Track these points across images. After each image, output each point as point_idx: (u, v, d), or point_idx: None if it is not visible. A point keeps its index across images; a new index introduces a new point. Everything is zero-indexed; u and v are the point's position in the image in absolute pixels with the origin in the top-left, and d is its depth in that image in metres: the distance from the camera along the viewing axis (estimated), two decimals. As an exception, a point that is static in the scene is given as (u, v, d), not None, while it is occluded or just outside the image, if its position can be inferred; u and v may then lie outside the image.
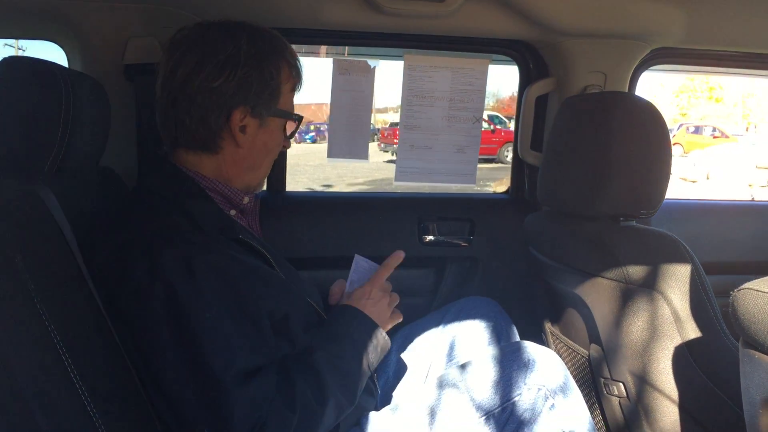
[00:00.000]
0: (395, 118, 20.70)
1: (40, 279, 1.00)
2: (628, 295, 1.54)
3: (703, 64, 2.32)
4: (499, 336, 1.73)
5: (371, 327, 1.40)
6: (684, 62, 2.30)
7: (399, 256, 1.54)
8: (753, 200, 11.39)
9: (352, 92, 2.21)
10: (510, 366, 1.40)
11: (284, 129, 1.47)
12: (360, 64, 2.20)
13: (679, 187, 11.90)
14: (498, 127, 17.62)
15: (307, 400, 1.19)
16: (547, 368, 1.39)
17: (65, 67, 1.53)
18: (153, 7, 1.81)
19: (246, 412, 1.11)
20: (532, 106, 2.25)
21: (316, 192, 7.36)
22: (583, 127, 1.68)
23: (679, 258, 1.49)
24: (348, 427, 1.40)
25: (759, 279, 1.03)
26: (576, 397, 1.41)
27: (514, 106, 2.39)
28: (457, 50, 2.25)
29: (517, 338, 1.75)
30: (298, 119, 1.48)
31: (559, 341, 1.97)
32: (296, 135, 1.57)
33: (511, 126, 18.04)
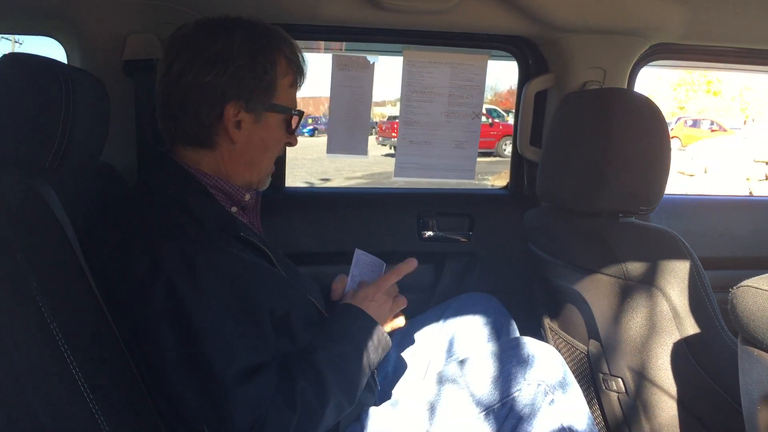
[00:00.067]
0: (393, 111, 20.65)
1: (41, 276, 1.00)
2: (627, 291, 1.55)
3: (701, 59, 2.33)
4: (499, 332, 1.74)
5: (372, 327, 1.40)
6: (683, 58, 2.30)
7: (412, 263, 1.54)
8: (751, 194, 11.41)
9: (351, 88, 2.21)
10: (509, 361, 1.41)
11: (286, 125, 1.45)
12: (359, 60, 2.20)
13: (677, 181, 11.91)
14: (496, 120, 17.58)
15: (308, 400, 1.19)
16: (546, 364, 1.39)
17: (65, 64, 1.53)
18: (152, 3, 1.81)
19: (246, 410, 1.12)
20: (532, 102, 2.25)
21: (316, 188, 7.35)
22: (583, 124, 1.68)
23: (678, 254, 1.50)
24: (348, 422, 1.41)
25: (758, 276, 1.04)
26: (575, 392, 1.42)
27: (512, 100, 2.40)
28: (457, 46, 2.25)
29: (517, 334, 1.76)
30: (299, 114, 1.47)
31: (558, 337, 1.97)
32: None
33: (509, 120, 18.08)
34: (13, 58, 1.28)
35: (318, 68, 1.58)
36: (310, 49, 2.50)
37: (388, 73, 2.67)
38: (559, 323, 1.97)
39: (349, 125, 2.25)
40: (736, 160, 12.14)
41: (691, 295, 1.48)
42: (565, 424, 1.38)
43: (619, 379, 1.63)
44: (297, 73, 1.44)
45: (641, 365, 1.54)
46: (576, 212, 1.70)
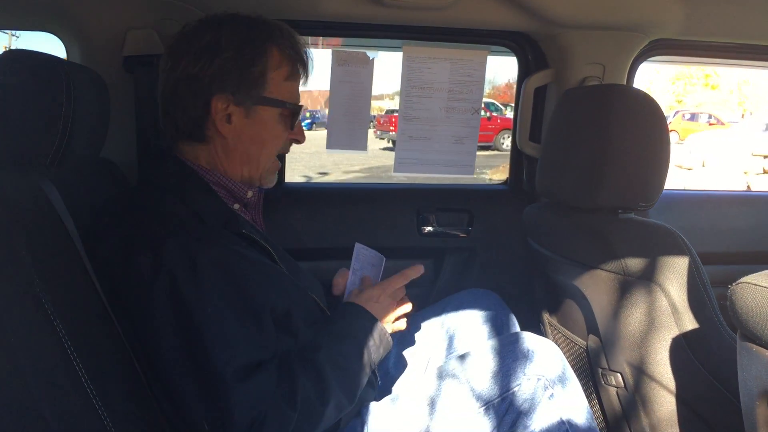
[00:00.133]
0: (391, 105, 20.64)
1: (45, 274, 1.01)
2: (626, 287, 1.56)
3: (701, 55, 2.33)
4: (500, 328, 1.75)
5: (375, 327, 1.41)
6: (682, 53, 2.30)
7: (419, 269, 1.54)
8: (748, 188, 11.43)
9: (351, 83, 2.21)
10: (509, 356, 1.41)
11: (284, 120, 1.42)
12: (359, 56, 2.20)
13: (675, 174, 11.91)
14: (494, 114, 17.58)
15: (309, 398, 1.19)
16: (545, 359, 1.40)
17: (66, 60, 1.53)
18: (152, -1, 1.81)
19: (246, 407, 1.12)
20: (531, 98, 2.26)
21: (315, 183, 7.36)
22: (582, 120, 1.68)
23: (677, 250, 1.51)
24: (349, 418, 1.41)
25: (757, 273, 1.04)
26: (574, 387, 1.43)
27: (510, 93, 2.41)
28: (456, 42, 2.25)
29: (518, 329, 1.77)
30: (292, 108, 1.42)
31: (558, 332, 1.98)
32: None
33: (507, 113, 18.06)
34: (14, 54, 1.28)
35: (315, 62, 1.56)
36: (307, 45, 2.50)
37: (385, 67, 2.68)
38: (559, 318, 1.98)
39: (349, 120, 2.25)
40: (734, 153, 12.14)
41: (690, 290, 1.48)
42: (564, 419, 1.38)
43: (618, 374, 1.64)
44: (294, 66, 1.41)
45: (640, 360, 1.55)
46: (575, 208, 1.71)
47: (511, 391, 1.37)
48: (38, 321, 0.97)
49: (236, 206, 1.43)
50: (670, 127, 1.62)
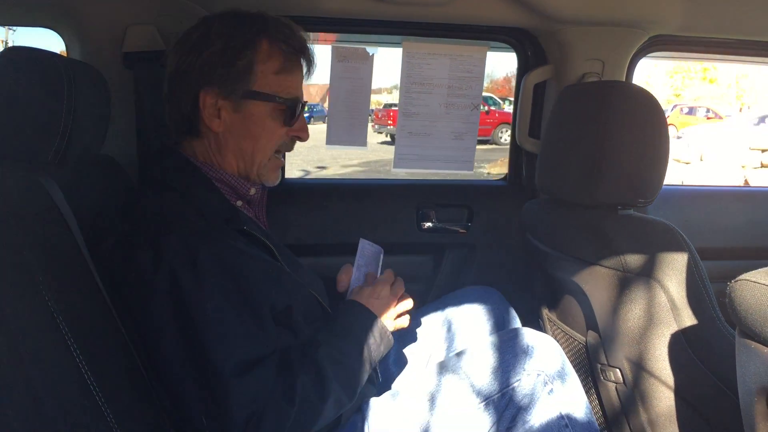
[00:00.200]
0: (389, 99, 20.61)
1: (48, 271, 1.01)
2: (625, 283, 1.56)
3: (700, 51, 2.33)
4: (501, 325, 1.75)
5: (376, 325, 1.41)
6: (681, 49, 2.30)
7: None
8: (746, 182, 11.43)
9: (350, 79, 2.21)
10: (509, 352, 1.42)
11: (279, 114, 1.40)
12: (358, 52, 2.20)
13: (673, 168, 11.92)
14: (492, 108, 17.56)
15: (308, 395, 1.20)
16: (545, 354, 1.41)
17: (66, 57, 1.53)
18: (152, -5, 1.81)
19: (244, 402, 1.13)
20: (530, 94, 2.26)
21: (315, 179, 7.35)
22: (581, 116, 1.68)
23: (676, 247, 1.51)
24: (349, 414, 1.42)
25: (756, 270, 1.05)
26: (573, 382, 1.44)
27: (508, 87, 2.41)
28: (456, 38, 2.25)
29: (519, 326, 1.77)
30: (285, 103, 1.39)
31: (557, 327, 1.99)
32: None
33: (505, 107, 18.03)
34: (14, 51, 1.28)
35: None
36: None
37: (383, 61, 2.68)
38: (558, 314, 1.99)
39: (349, 116, 2.26)
40: (732, 147, 12.15)
41: (688, 287, 1.49)
42: (563, 414, 1.39)
43: (617, 370, 1.64)
44: (287, 59, 1.38)
45: (639, 356, 1.56)
46: (575, 204, 1.71)
47: (510, 387, 1.38)
48: (41, 318, 0.97)
49: (239, 203, 1.43)
50: (668, 121, 1.63)
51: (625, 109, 1.59)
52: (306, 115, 1.51)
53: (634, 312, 1.55)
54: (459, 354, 1.50)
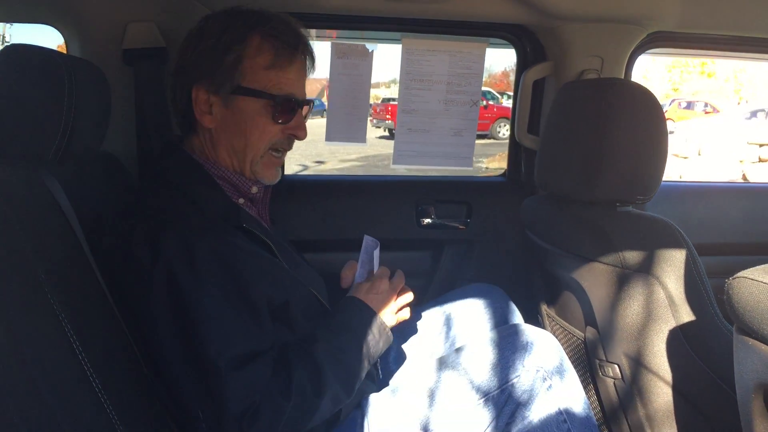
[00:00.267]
0: (387, 93, 20.57)
1: (49, 268, 1.02)
2: (624, 279, 1.57)
3: (698, 47, 2.34)
4: (502, 323, 1.75)
5: (375, 321, 1.41)
6: (680, 46, 2.30)
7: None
8: (744, 177, 11.44)
9: (350, 76, 2.21)
10: (508, 348, 1.42)
11: (268, 111, 1.37)
12: (358, 48, 2.20)
13: (672, 163, 11.92)
14: (490, 102, 17.53)
15: (304, 390, 1.21)
16: (544, 350, 1.41)
17: (67, 55, 1.53)
18: (152, -9, 1.81)
19: (239, 396, 1.14)
20: (530, 90, 2.26)
21: (314, 175, 7.36)
22: (580, 114, 1.69)
23: (675, 243, 1.52)
24: (349, 409, 1.43)
25: (754, 268, 1.06)
26: (572, 378, 1.44)
27: (507, 82, 2.41)
28: (455, 34, 2.25)
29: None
30: (275, 99, 1.36)
31: (556, 323, 2.00)
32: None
33: (504, 102, 18.00)
34: (15, 49, 1.28)
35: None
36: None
37: (382, 56, 2.67)
38: (557, 310, 2.00)
39: (348, 113, 2.26)
40: (730, 142, 12.16)
41: (686, 283, 1.50)
42: (561, 409, 1.40)
43: (616, 366, 1.65)
44: (278, 54, 1.36)
45: (637, 352, 1.57)
46: (574, 201, 1.72)
47: (510, 383, 1.38)
48: (43, 315, 0.98)
49: (241, 201, 1.44)
50: (666, 116, 1.63)
51: (624, 106, 1.60)
52: (305, 106, 1.49)
53: (632, 308, 1.56)
54: (458, 350, 1.50)
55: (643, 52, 2.26)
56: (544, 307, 2.07)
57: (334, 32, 2.34)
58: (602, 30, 2.08)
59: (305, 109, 1.47)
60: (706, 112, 21.17)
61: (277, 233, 1.60)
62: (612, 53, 2.13)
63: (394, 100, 16.40)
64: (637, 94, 1.61)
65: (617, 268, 1.58)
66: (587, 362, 1.80)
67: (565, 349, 1.52)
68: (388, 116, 16.45)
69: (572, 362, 1.52)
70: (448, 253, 2.39)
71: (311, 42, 1.46)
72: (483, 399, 1.39)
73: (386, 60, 2.25)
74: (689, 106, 22.51)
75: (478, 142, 2.42)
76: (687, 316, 1.49)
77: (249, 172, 1.42)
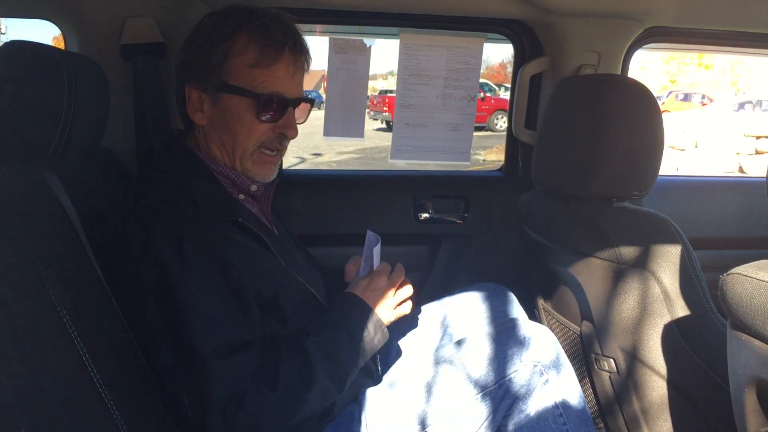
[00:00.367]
0: (385, 85, 20.53)
1: (51, 266, 1.03)
2: (619, 274, 1.58)
3: (695, 42, 2.34)
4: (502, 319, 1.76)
5: (371, 317, 1.41)
6: (677, 41, 2.31)
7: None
8: (741, 169, 11.45)
9: (348, 71, 2.22)
10: (505, 343, 1.43)
11: (253, 109, 1.37)
12: (356, 43, 2.20)
13: (668, 155, 11.92)
14: (488, 94, 17.50)
15: (292, 382, 1.22)
16: (541, 345, 1.42)
17: (66, 51, 1.53)
18: (150, -13, 1.81)
19: (224, 384, 1.16)
20: (527, 85, 2.27)
21: (312, 170, 7.35)
22: (577, 109, 1.70)
23: (670, 239, 1.53)
24: (346, 403, 1.44)
25: (747, 264, 1.07)
26: (568, 372, 1.46)
27: (504, 73, 2.41)
28: (453, 29, 2.26)
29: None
30: (255, 97, 1.36)
31: (552, 317, 2.01)
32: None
33: (501, 93, 17.97)
34: (14, 46, 1.28)
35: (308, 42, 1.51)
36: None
37: (380, 49, 2.68)
38: (553, 304, 2.01)
39: (346, 108, 2.27)
40: (727, 134, 12.16)
41: (682, 278, 1.51)
42: (558, 403, 1.41)
43: (611, 360, 1.67)
44: (263, 52, 1.35)
45: (633, 346, 1.58)
46: (570, 196, 1.73)
47: (507, 378, 1.39)
48: (45, 313, 0.99)
49: (241, 197, 1.45)
50: (663, 108, 1.65)
51: (620, 103, 1.61)
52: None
53: (628, 303, 1.57)
54: (456, 344, 1.51)
55: (640, 46, 2.26)
56: (540, 302, 2.08)
57: (320, 26, 2.34)
58: (599, 25, 2.09)
59: (303, 106, 1.47)
60: (703, 104, 21.16)
61: (282, 229, 1.62)
62: (609, 48, 2.14)
63: (391, 92, 16.38)
64: (633, 91, 1.62)
65: (613, 263, 1.59)
66: (583, 356, 1.82)
67: (561, 343, 1.54)
68: (385, 108, 16.42)
69: (568, 356, 1.53)
70: (446, 248, 2.40)
71: (305, 38, 1.45)
72: (480, 394, 1.39)
73: (384, 52, 2.25)
74: (686, 97, 22.50)
75: (475, 134, 2.42)
76: (682, 310, 1.51)
77: (240, 170, 1.43)
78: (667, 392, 1.54)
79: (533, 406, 1.40)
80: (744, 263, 1.08)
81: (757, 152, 11.88)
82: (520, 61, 2.32)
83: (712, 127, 12.52)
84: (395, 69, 2.29)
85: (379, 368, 1.59)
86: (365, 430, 1.38)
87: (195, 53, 1.37)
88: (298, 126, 1.47)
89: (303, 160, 12.53)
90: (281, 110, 1.39)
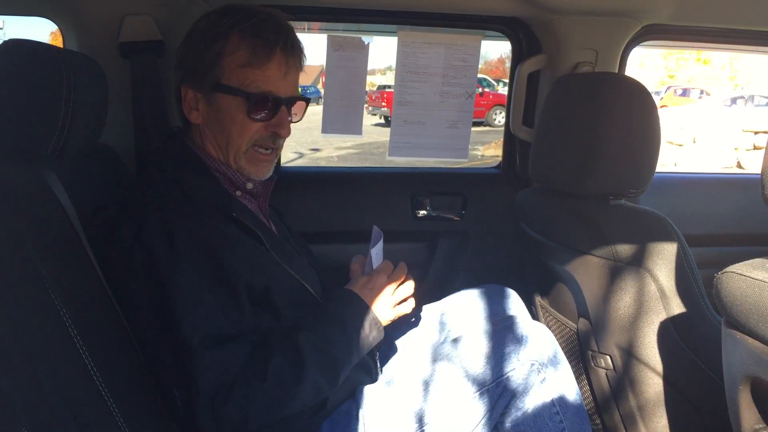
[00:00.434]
0: (383, 80, 20.49)
1: (50, 264, 1.04)
2: (616, 272, 1.59)
3: (692, 40, 2.35)
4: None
5: (367, 315, 1.42)
6: (674, 38, 2.31)
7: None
8: (739, 164, 11.46)
9: (346, 68, 2.22)
10: (503, 341, 1.43)
11: (244, 108, 1.38)
12: (354, 41, 2.21)
13: (667, 150, 11.93)
14: (486, 90, 17.48)
15: (281, 374, 1.23)
16: (539, 343, 1.43)
17: (65, 49, 1.53)
18: (148, -15, 1.81)
19: (212, 374, 1.18)
20: (524, 83, 2.27)
21: (310, 167, 7.36)
22: (574, 107, 1.70)
23: (666, 237, 1.54)
24: (342, 399, 1.45)
25: (742, 263, 1.08)
26: (565, 370, 1.46)
27: (503, 69, 2.42)
28: (451, 27, 2.26)
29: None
30: (246, 96, 1.37)
31: (549, 314, 2.02)
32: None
33: (499, 89, 17.93)
34: (13, 44, 1.29)
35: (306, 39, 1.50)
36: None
37: (379, 44, 2.68)
38: (550, 301, 2.02)
39: (344, 105, 2.27)
40: (725, 129, 12.17)
41: (677, 276, 1.52)
42: (554, 400, 1.42)
43: (608, 357, 1.68)
44: (253, 52, 1.36)
45: (629, 343, 1.59)
46: (567, 194, 1.74)
47: (505, 376, 1.39)
48: (44, 310, 1.00)
49: (238, 193, 1.46)
50: (661, 103, 1.65)
51: (617, 101, 1.61)
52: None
53: (624, 300, 1.58)
54: (454, 341, 1.51)
55: (637, 44, 2.27)
56: (537, 299, 2.09)
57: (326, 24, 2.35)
58: (597, 23, 2.09)
59: (299, 105, 1.48)
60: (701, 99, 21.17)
61: (282, 228, 1.64)
62: (606, 46, 2.15)
63: (389, 87, 16.34)
64: (630, 89, 1.62)
65: (609, 261, 1.60)
66: (580, 353, 1.83)
67: (558, 340, 1.54)
68: (383, 103, 16.40)
69: (565, 353, 1.53)
70: (444, 245, 2.40)
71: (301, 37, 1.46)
72: (478, 392, 1.40)
73: (382, 47, 2.25)
74: (685, 93, 22.52)
75: (474, 129, 2.43)
76: (677, 308, 1.52)
77: (235, 167, 1.44)
78: (663, 389, 1.55)
79: (530, 403, 1.41)
80: (740, 260, 1.09)
81: (755, 147, 11.89)
82: (517, 58, 2.33)
83: (711, 123, 12.52)
84: (394, 64, 2.29)
85: (379, 366, 1.59)
86: (363, 427, 1.38)
87: (190, 53, 1.40)
88: (296, 122, 1.50)
89: (301, 155, 12.52)
90: (273, 109, 1.41)
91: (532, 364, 1.39)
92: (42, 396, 0.96)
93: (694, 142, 12.45)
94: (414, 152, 2.35)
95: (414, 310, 1.56)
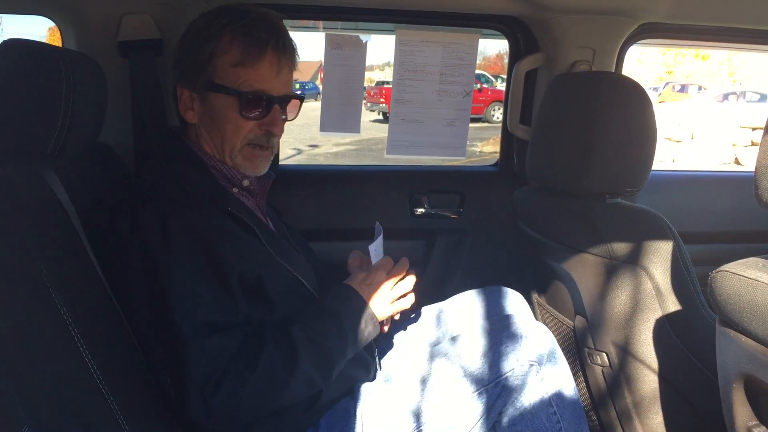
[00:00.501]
0: (381, 76, 20.48)
1: (50, 263, 1.04)
2: (612, 270, 1.60)
3: (689, 38, 2.35)
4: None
5: (363, 310, 1.41)
6: (671, 37, 2.32)
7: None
8: (737, 161, 11.47)
9: (344, 67, 2.23)
10: (501, 340, 1.44)
11: (237, 107, 1.39)
12: (352, 39, 2.21)
13: (665, 147, 11.94)
14: (484, 86, 17.48)
15: (273, 365, 1.24)
16: (537, 342, 1.43)
17: (64, 49, 1.54)
18: (147, -16, 1.81)
19: (203, 363, 1.19)
20: (522, 81, 2.28)
21: (308, 165, 7.36)
22: (571, 106, 1.71)
23: (662, 235, 1.55)
24: (338, 396, 1.45)
25: (736, 261, 1.09)
26: (563, 368, 1.48)
27: (501, 65, 2.42)
28: (448, 25, 2.26)
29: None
30: (238, 95, 1.38)
31: (546, 312, 2.03)
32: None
33: (498, 85, 17.93)
34: (12, 44, 1.29)
35: (302, 35, 1.51)
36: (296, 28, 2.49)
37: (377, 41, 2.68)
38: (547, 299, 2.03)
39: (343, 103, 2.28)
40: (723, 125, 12.17)
41: (673, 274, 1.53)
42: (551, 397, 1.43)
43: (604, 354, 1.69)
44: (245, 51, 1.37)
45: (625, 341, 1.60)
46: (564, 192, 1.75)
47: (503, 376, 1.40)
48: (45, 309, 1.01)
49: (235, 190, 1.48)
50: (660, 99, 1.65)
51: (614, 99, 1.62)
52: (298, 92, 1.53)
53: (620, 298, 1.59)
54: (452, 339, 1.52)
55: (634, 42, 2.27)
56: (535, 296, 2.10)
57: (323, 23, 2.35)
58: (594, 21, 2.10)
59: (293, 104, 1.49)
60: (698, 95, 21.18)
61: (281, 226, 1.65)
62: (603, 44, 2.15)
63: (388, 83, 16.35)
64: (626, 88, 1.63)
65: (606, 259, 1.61)
66: (576, 350, 1.84)
67: (555, 337, 1.55)
68: (382, 99, 16.41)
69: (562, 350, 1.54)
70: (441, 243, 2.41)
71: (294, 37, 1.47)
72: (477, 391, 1.40)
73: (380, 44, 2.26)
74: (683, 89, 22.51)
75: (472, 125, 2.43)
76: (673, 306, 1.53)
77: (231, 165, 1.46)
78: (658, 386, 1.57)
79: (528, 402, 1.42)
80: (735, 257, 1.10)
81: (753, 143, 11.89)
82: (515, 57, 2.33)
83: (708, 119, 12.52)
84: (392, 60, 2.30)
85: (378, 364, 1.60)
86: (361, 425, 1.39)
87: (185, 53, 1.42)
88: (291, 120, 1.51)
89: (300, 151, 12.52)
90: (266, 108, 1.42)
91: (531, 364, 1.40)
92: (43, 395, 0.97)
93: (692, 138, 12.46)
94: (412, 150, 2.36)
95: (413, 305, 1.56)
